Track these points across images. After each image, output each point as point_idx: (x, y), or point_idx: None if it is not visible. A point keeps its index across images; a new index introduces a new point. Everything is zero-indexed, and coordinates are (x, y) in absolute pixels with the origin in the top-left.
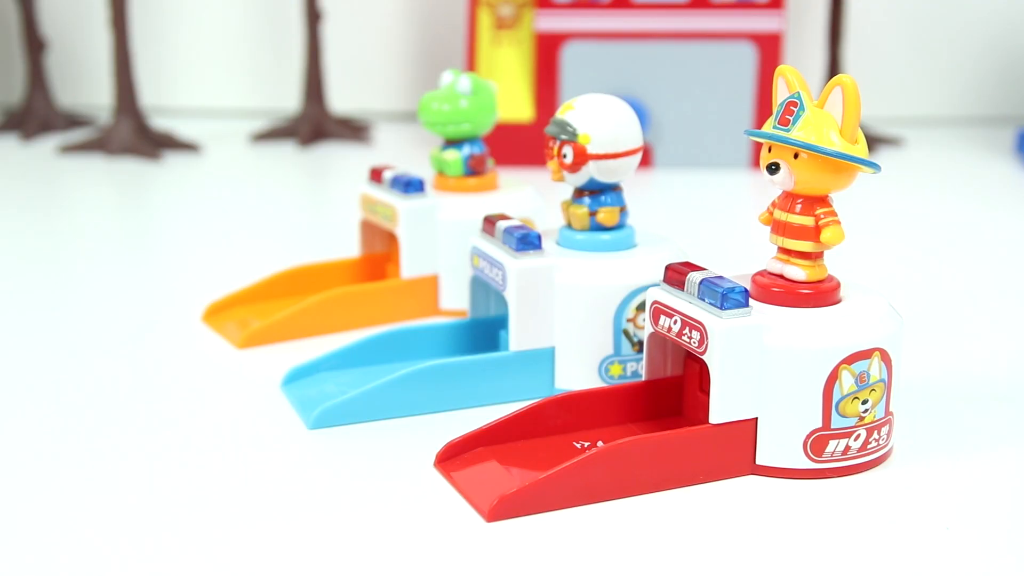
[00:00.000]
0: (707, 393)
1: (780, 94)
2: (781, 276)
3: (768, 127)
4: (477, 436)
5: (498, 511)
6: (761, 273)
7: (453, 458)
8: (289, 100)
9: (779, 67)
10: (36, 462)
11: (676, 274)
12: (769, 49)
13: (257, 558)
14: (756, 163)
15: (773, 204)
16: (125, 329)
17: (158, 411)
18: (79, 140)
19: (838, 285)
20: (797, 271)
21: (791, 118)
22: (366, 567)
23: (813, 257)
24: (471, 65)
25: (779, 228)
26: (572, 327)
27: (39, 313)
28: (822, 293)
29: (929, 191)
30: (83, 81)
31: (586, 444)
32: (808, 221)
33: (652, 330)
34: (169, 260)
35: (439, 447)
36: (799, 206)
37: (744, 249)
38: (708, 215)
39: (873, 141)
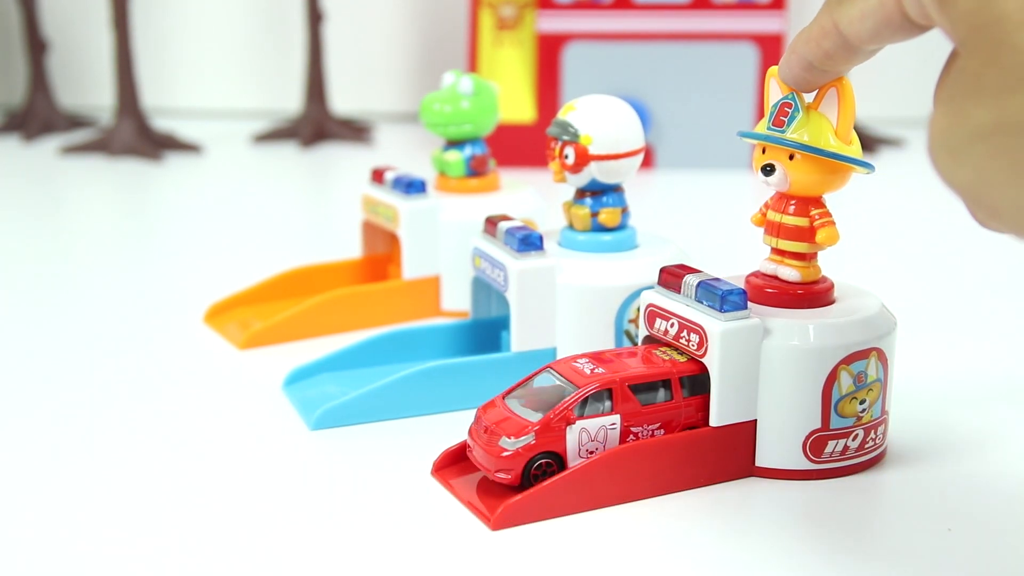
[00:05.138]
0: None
1: (772, 95)
2: (775, 277)
3: (762, 128)
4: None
5: (503, 519)
6: (754, 274)
7: (450, 466)
8: (291, 101)
9: (770, 69)
10: (37, 463)
11: (672, 277)
12: (770, 50)
13: (259, 559)
14: None
15: (766, 205)
16: (127, 330)
17: (159, 412)
18: (81, 141)
19: (831, 286)
20: (791, 272)
21: (786, 119)
22: (371, 571)
23: (807, 258)
24: (473, 66)
25: (773, 229)
26: (574, 328)
27: (40, 313)
28: (816, 294)
29: (929, 192)
30: (85, 82)
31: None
32: (803, 222)
33: (647, 333)
34: (171, 261)
35: (441, 448)
36: (793, 207)
37: (746, 250)
38: (709, 216)
39: (873, 142)
